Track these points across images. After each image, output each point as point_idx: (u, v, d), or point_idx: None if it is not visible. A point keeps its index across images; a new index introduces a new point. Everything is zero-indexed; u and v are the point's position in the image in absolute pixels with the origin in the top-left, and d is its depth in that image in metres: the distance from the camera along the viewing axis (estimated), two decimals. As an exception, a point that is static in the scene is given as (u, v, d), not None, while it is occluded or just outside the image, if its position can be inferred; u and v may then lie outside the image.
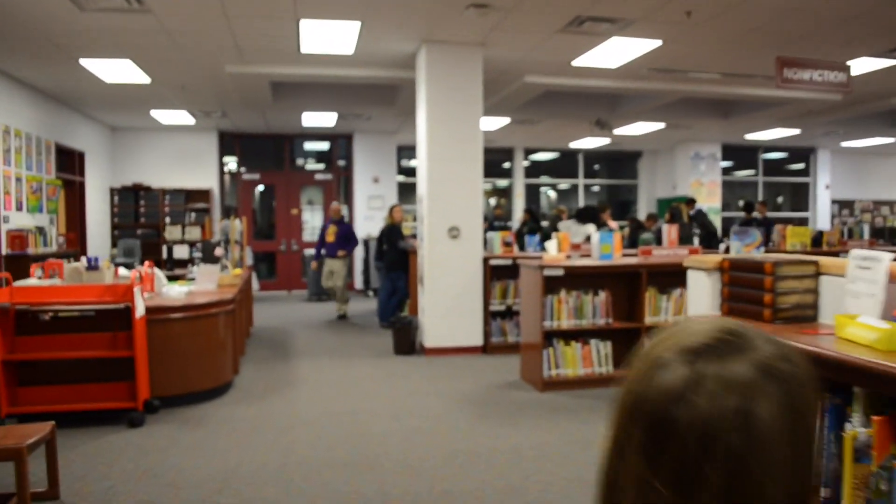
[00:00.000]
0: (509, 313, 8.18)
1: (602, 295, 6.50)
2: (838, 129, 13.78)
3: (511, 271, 8.21)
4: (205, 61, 8.36)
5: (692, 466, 0.69)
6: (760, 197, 16.55)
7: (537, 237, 8.70)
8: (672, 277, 6.78)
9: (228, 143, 14.26)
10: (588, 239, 9.58)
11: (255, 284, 12.52)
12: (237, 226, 12.75)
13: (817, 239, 9.66)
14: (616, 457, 0.76)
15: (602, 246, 6.83)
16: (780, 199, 17.76)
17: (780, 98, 10.60)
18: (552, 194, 17.74)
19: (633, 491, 0.73)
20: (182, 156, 13.50)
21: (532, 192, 16.83)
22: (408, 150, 16.18)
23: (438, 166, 7.81)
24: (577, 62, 8.49)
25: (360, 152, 14.27)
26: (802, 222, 16.49)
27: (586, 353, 6.47)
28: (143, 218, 13.22)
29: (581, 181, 17.06)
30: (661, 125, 13.26)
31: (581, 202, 17.00)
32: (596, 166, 17.57)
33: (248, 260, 12.86)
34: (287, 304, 12.74)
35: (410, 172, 16.51)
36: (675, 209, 10.88)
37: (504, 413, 5.70)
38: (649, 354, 0.77)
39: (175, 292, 6.15)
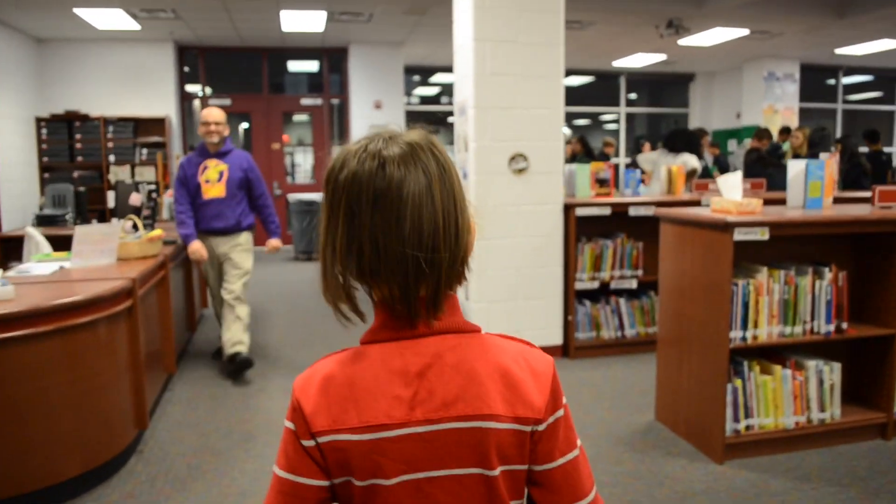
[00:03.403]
0: (604, 293, 4.97)
1: (828, 276, 3.29)
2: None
3: (608, 225, 4.98)
4: None
5: (354, 205, 0.86)
6: (839, 127, 13.28)
7: (638, 172, 5.43)
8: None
9: (190, 59, 10.80)
10: (693, 174, 6.37)
11: (224, 241, 9.25)
12: (200, 165, 9.44)
13: None
14: (324, 222, 0.91)
15: (810, 184, 3.59)
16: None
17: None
18: (566, 131, 14.28)
19: (334, 237, 0.89)
20: (129, 75, 10.03)
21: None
22: (418, 72, 12.74)
23: (494, 54, 4.50)
24: None
25: (358, 70, 10.80)
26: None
27: (798, 388, 3.30)
28: (80, 156, 9.85)
29: (623, 109, 13.69)
30: (743, 32, 9.91)
31: (623, 135, 13.67)
32: (632, 95, 14.17)
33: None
34: (266, 265, 9.49)
35: (423, 101, 13.14)
36: (823, 131, 7.50)
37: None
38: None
39: (-6, 285, 2.89)
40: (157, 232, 4.18)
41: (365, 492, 0.90)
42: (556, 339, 4.81)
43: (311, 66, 11.53)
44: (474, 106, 4.51)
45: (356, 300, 0.94)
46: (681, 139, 6.92)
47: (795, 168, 3.65)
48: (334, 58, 11.20)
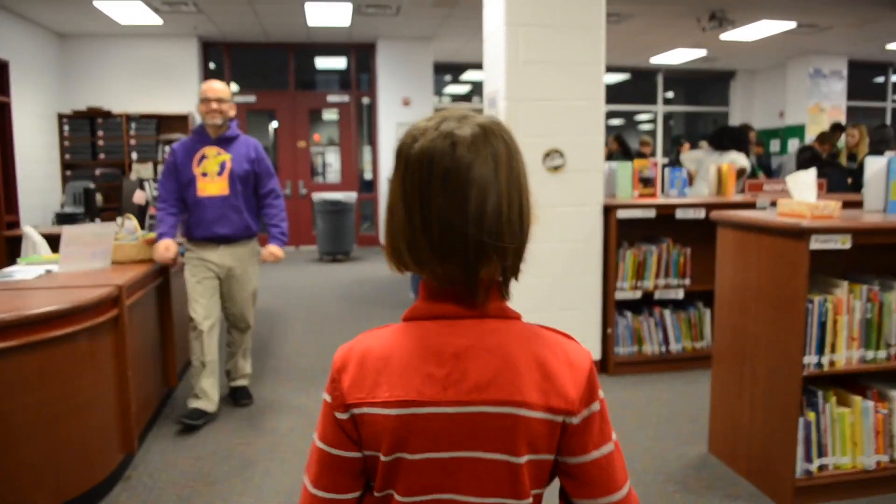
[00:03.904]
0: (647, 304, 4.49)
1: (917, 291, 2.79)
2: None
3: (652, 229, 4.52)
4: None
5: (423, 182, 0.86)
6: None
7: (684, 171, 4.92)
8: None
9: (215, 55, 10.51)
10: (742, 174, 5.86)
11: (246, 241, 8.92)
12: (222, 162, 9.11)
13: None
14: (392, 195, 0.91)
15: (893, 184, 3.09)
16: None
17: None
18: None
19: (399, 211, 0.89)
20: (152, 71, 9.74)
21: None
22: (449, 69, 12.32)
23: (527, 40, 4.05)
24: None
25: (386, 66, 10.40)
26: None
27: (880, 423, 2.80)
28: (102, 153, 9.58)
29: (660, 108, 13.13)
30: (789, 25, 9.31)
31: (660, 135, 13.10)
32: (669, 93, 13.59)
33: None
34: (291, 266, 9.13)
35: (453, 99, 12.77)
36: (885, 129, 6.90)
37: None
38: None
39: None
40: (153, 235, 3.79)
41: (389, 466, 0.90)
42: (594, 353, 4.35)
43: (339, 62, 11.15)
44: (506, 97, 4.07)
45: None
46: (728, 136, 6.40)
47: (875, 166, 3.15)
48: (362, 53, 10.82)
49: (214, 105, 3.58)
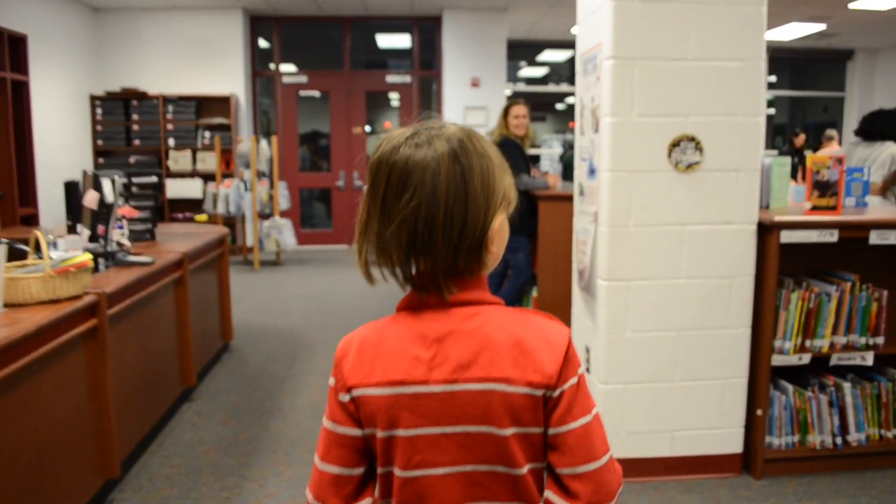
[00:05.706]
0: (817, 372, 2.94)
1: None
2: None
3: (820, 258, 2.97)
4: None
5: (374, 187, 0.93)
6: None
7: (865, 171, 3.33)
8: None
9: (264, 30, 9.26)
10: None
11: (289, 239, 7.70)
12: (264, 150, 7.89)
13: None
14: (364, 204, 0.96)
15: None
16: None
17: None
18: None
19: (366, 217, 0.95)
20: (192, 48, 8.54)
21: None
22: (522, 48, 10.77)
23: (646, -32, 2.57)
24: None
25: (453, 42, 8.92)
26: None
27: None
28: (136, 139, 8.48)
29: (762, 93, 11.29)
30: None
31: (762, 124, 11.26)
32: (772, 77, 11.70)
33: (283, 203, 8.06)
34: (339, 268, 7.84)
35: (528, 83, 11.31)
36: None
37: None
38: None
39: None
40: (81, 258, 2.48)
41: (385, 442, 0.95)
42: (734, 444, 2.83)
43: (402, 40, 9.76)
44: (612, 55, 2.59)
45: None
46: (883, 122, 4.79)
47: None
48: (426, 28, 9.40)
49: None
